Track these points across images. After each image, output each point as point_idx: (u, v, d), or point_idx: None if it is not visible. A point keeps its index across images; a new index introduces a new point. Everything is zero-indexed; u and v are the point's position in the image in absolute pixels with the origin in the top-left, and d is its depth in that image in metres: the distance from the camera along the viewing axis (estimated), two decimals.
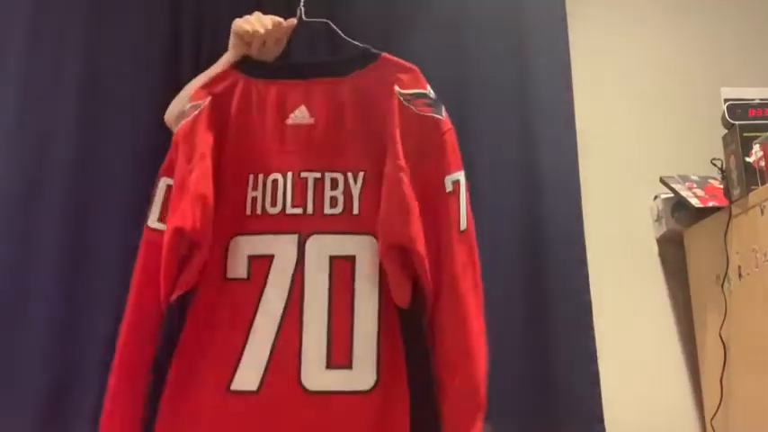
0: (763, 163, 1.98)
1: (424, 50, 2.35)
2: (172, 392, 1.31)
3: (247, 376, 1.29)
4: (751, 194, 1.99)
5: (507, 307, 2.18)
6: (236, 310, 1.34)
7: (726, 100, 2.17)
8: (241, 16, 2.29)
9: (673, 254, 2.39)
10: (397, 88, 1.41)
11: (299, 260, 1.35)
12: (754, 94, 2.19)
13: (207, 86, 1.46)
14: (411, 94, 1.42)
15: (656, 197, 2.39)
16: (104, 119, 2.27)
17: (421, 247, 1.31)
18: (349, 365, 1.31)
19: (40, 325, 2.10)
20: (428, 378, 1.31)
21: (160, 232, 1.35)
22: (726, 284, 2.08)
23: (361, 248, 1.35)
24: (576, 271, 2.22)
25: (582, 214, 2.28)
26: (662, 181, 2.31)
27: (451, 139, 1.42)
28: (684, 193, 2.22)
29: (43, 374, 2.07)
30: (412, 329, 1.33)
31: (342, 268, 1.34)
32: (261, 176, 1.39)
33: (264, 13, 2.27)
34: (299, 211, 1.37)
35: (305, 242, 1.35)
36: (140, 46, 2.32)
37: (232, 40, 1.49)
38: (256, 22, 1.46)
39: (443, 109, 1.44)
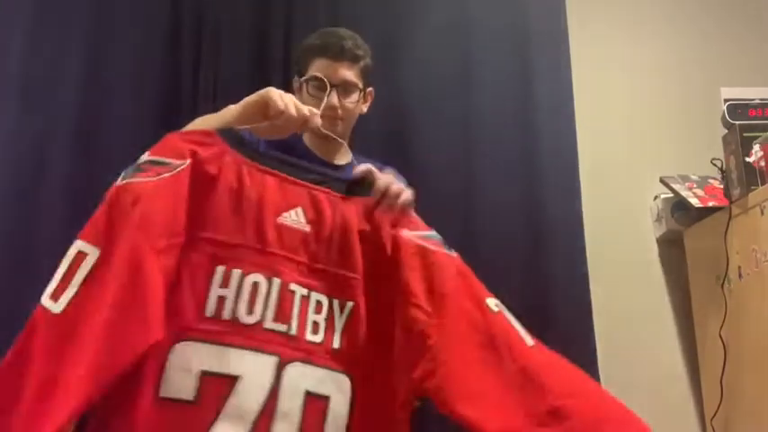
0: (763, 163, 1.98)
1: (427, 52, 2.36)
2: None
3: None
4: (751, 194, 1.99)
5: (508, 307, 2.17)
6: None
7: (726, 100, 2.18)
8: (241, 17, 2.33)
9: (673, 254, 2.39)
10: (405, 231, 1.27)
11: (273, 391, 1.10)
12: (754, 94, 2.20)
13: (188, 141, 1.17)
14: (421, 236, 1.29)
15: (656, 197, 2.39)
16: (104, 119, 2.27)
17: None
18: None
19: None
20: None
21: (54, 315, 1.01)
22: (726, 284, 2.08)
23: (337, 389, 1.16)
24: (576, 271, 2.22)
25: (582, 214, 2.28)
26: (662, 181, 2.31)
27: (469, 269, 1.30)
28: (684, 193, 2.22)
29: None
30: None
31: (315, 409, 1.12)
32: (236, 273, 1.13)
33: (262, 13, 2.27)
34: (281, 328, 1.14)
35: (283, 369, 1.12)
36: (140, 46, 2.32)
37: (251, 104, 1.33)
38: (291, 104, 1.30)
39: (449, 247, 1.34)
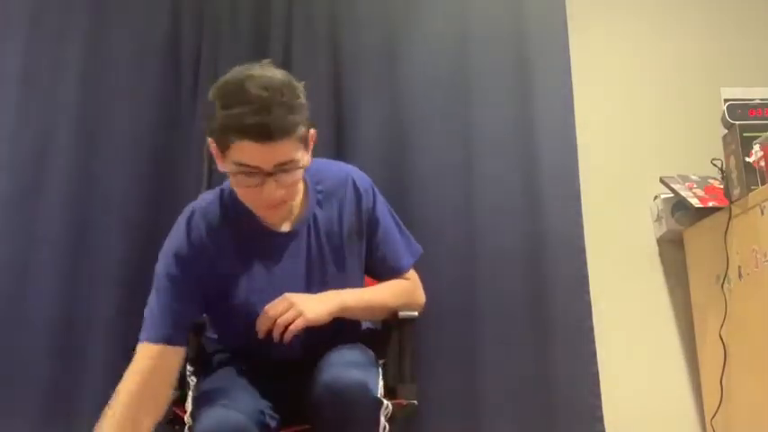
0: (763, 163, 1.98)
1: (425, 55, 2.36)
2: None
3: None
4: (751, 194, 1.99)
5: (508, 307, 2.19)
6: None
7: (726, 100, 2.17)
8: (241, 17, 2.33)
9: (673, 254, 2.39)
10: None
11: None
12: (754, 94, 2.19)
13: None
14: None
15: (656, 197, 2.39)
16: (104, 118, 2.27)
17: None
18: None
19: (41, 325, 2.10)
20: None
21: None
22: (726, 284, 2.08)
23: None
24: (577, 271, 2.22)
25: (582, 214, 2.28)
26: (662, 181, 2.31)
27: None
28: (684, 193, 2.21)
29: (43, 374, 2.07)
30: None
31: None
32: None
33: (262, 13, 2.25)
34: None
35: None
36: (140, 46, 2.32)
37: None
38: None
39: None
